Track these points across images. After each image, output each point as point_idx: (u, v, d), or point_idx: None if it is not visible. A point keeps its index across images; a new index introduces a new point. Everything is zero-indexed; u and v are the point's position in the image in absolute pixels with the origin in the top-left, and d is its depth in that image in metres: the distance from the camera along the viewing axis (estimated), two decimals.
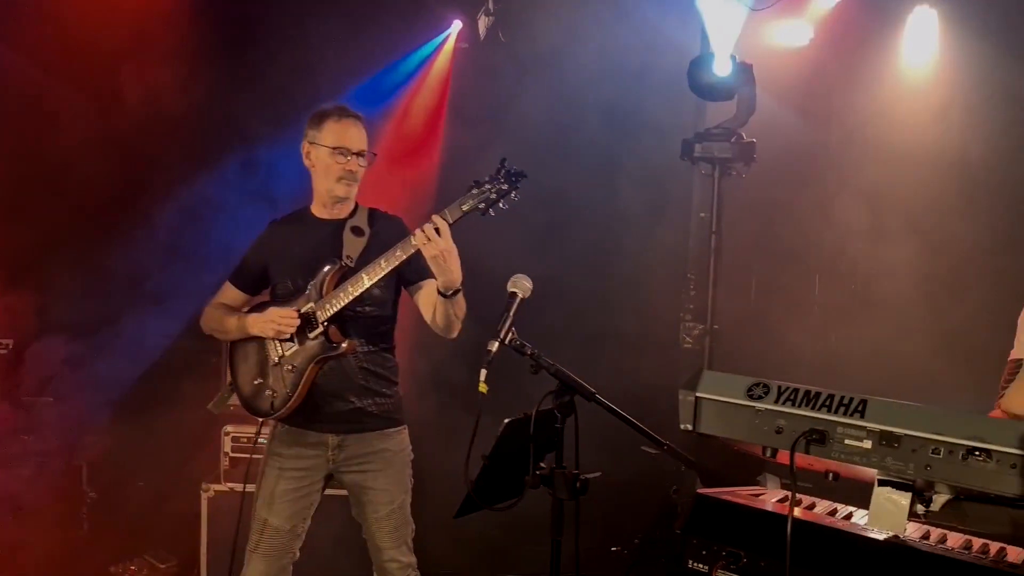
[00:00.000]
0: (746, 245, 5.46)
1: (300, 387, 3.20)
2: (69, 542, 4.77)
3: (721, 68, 4.64)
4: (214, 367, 4.60)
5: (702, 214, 5.87)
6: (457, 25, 5.88)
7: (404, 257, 3.06)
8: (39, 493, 4.81)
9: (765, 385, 1.88)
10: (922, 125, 5.04)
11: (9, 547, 4.47)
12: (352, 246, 3.27)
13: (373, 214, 3.41)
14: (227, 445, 4.43)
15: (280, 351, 3.27)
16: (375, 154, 3.37)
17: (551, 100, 5.36)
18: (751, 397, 1.87)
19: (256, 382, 3.30)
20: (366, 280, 3.12)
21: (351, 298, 3.15)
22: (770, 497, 2.19)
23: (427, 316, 3.25)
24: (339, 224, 3.33)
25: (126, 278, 5.20)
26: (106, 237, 5.16)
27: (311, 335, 3.21)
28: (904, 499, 1.75)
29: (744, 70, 4.68)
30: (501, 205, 2.95)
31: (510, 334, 2.52)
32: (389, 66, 5.73)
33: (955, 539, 1.98)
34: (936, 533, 1.98)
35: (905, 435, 1.67)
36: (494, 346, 2.50)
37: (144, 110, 5.16)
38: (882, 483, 1.77)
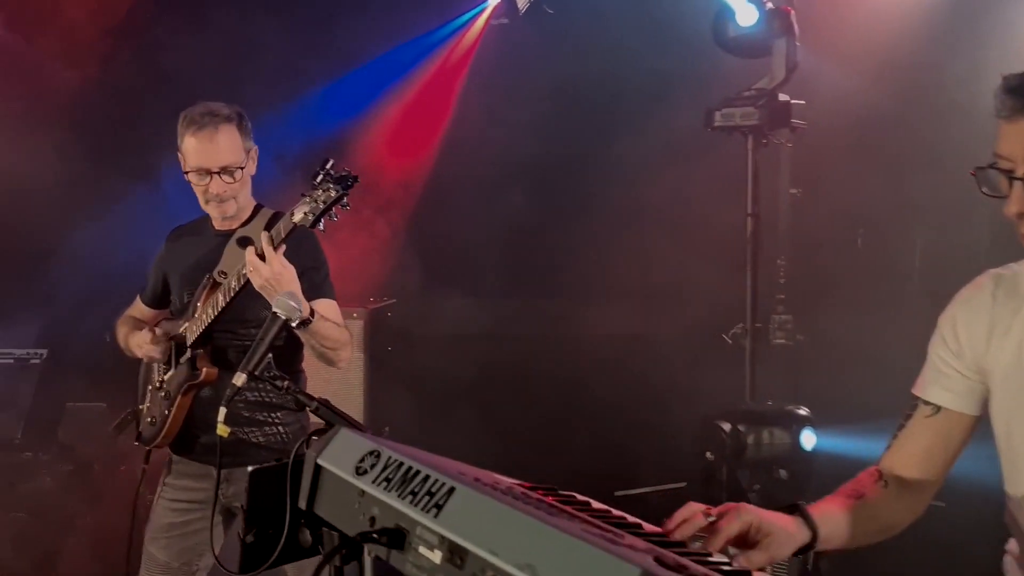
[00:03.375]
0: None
1: (171, 416, 2.92)
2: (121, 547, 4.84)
3: (744, 17, 3.85)
4: None
5: (794, 190, 5.11)
6: None
7: (240, 284, 2.69)
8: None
9: (376, 453, 1.33)
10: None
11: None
12: (231, 260, 2.89)
13: (275, 221, 2.97)
14: None
15: (160, 375, 3.02)
16: (248, 161, 2.91)
17: (586, 73, 4.78)
18: (358, 473, 1.33)
19: (142, 406, 3.09)
20: (221, 301, 2.79)
21: (211, 320, 2.83)
22: None
23: None
24: (226, 236, 2.98)
25: None
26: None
27: (182, 359, 2.93)
28: None
29: (776, 18, 3.85)
30: (333, 215, 2.49)
31: (263, 363, 2.08)
32: (419, 37, 5.38)
33: None
34: None
35: (471, 552, 1.08)
36: (240, 380, 2.08)
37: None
38: None
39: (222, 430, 2.07)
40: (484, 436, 4.31)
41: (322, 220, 2.49)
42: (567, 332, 4.73)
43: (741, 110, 3.92)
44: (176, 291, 3.06)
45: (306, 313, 2.48)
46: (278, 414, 2.97)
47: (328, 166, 2.48)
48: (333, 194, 2.46)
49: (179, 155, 2.95)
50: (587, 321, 4.70)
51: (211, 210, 2.97)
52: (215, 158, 2.84)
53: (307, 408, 2.07)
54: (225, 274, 2.87)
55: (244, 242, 2.94)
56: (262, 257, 2.56)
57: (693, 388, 4.50)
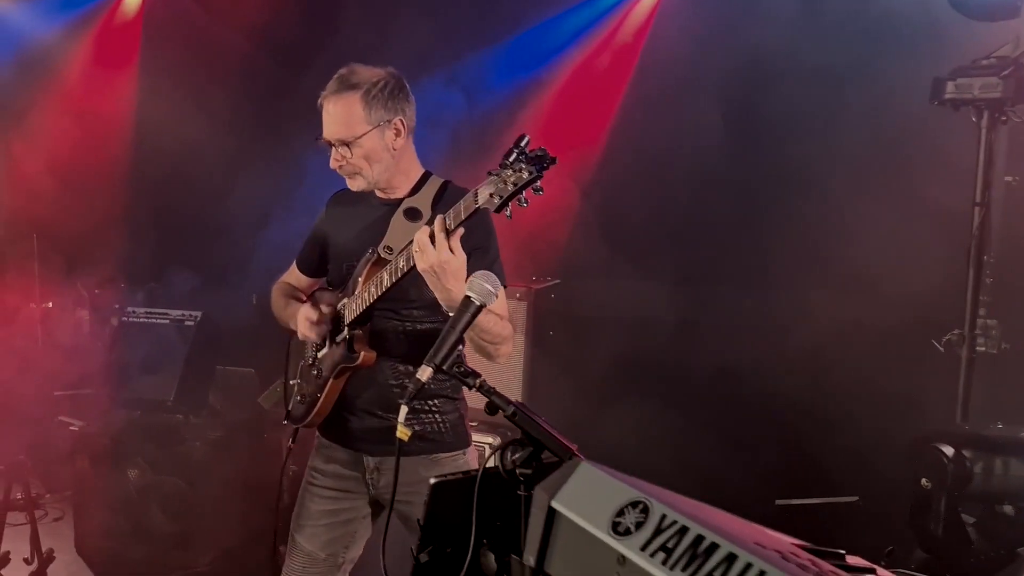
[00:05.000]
0: None
1: (322, 398, 2.69)
2: (266, 515, 4.77)
3: None
4: None
5: (1009, 178, 4.50)
6: None
7: (409, 265, 2.40)
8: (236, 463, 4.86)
9: (643, 507, 0.98)
10: None
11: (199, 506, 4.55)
12: (400, 232, 2.63)
13: (443, 192, 2.73)
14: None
15: (313, 351, 2.79)
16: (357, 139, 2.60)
17: (780, 39, 4.27)
18: (618, 531, 0.98)
19: (293, 382, 2.88)
20: (386, 280, 2.51)
21: (373, 299, 2.56)
22: None
23: None
24: (392, 206, 2.71)
25: None
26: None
27: (338, 337, 2.68)
28: None
29: None
30: (522, 200, 2.15)
31: (453, 356, 1.77)
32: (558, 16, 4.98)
33: None
34: None
35: None
36: (425, 374, 1.78)
37: None
38: None
39: (402, 433, 1.78)
40: (650, 429, 3.94)
41: (509, 204, 2.15)
42: (750, 322, 4.26)
43: (981, 80, 3.34)
44: (335, 261, 2.82)
45: (502, 298, 2.17)
46: (435, 401, 2.71)
47: (523, 143, 2.13)
48: (526, 175, 2.11)
49: None
50: (776, 311, 4.22)
51: (378, 192, 2.71)
52: (329, 128, 2.61)
53: (501, 412, 1.74)
54: (391, 249, 2.60)
55: (412, 215, 2.66)
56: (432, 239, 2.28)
57: (890, 395, 3.98)
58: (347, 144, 2.59)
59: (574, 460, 1.14)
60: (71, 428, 4.86)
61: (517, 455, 1.68)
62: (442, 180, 2.76)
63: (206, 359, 4.93)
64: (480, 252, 2.50)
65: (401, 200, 2.70)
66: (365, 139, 2.59)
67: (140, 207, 6.00)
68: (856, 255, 4.05)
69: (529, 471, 1.69)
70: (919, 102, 3.73)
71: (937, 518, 3.01)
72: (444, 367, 1.78)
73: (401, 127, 2.64)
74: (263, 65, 5.37)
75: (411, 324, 2.66)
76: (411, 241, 2.37)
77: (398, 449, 1.81)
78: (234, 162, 5.38)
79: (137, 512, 4.59)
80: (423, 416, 2.70)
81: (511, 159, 2.12)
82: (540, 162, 2.10)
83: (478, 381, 1.77)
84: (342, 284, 2.75)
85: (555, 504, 1.09)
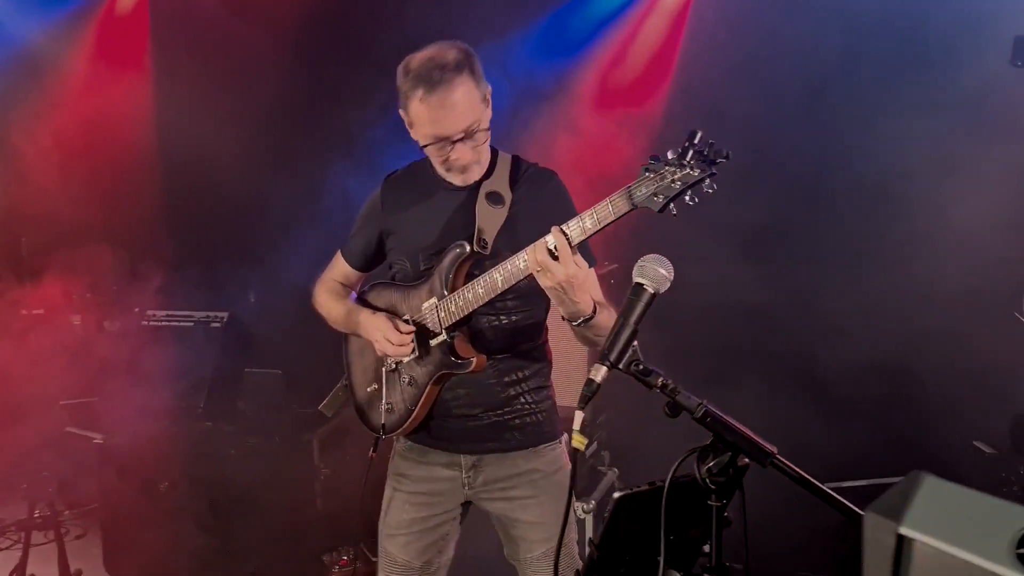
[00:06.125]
0: None
1: (419, 406, 2.48)
2: (303, 522, 4.55)
3: None
4: None
5: None
6: None
7: (519, 278, 2.20)
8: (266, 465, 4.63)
9: None
10: None
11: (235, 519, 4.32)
12: (488, 221, 2.39)
13: (517, 170, 2.49)
14: None
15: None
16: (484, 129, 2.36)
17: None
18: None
19: (371, 388, 2.63)
20: (499, 282, 2.28)
21: (481, 302, 2.33)
22: None
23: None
24: (471, 190, 2.46)
25: None
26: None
27: (432, 342, 2.44)
28: None
29: None
30: (688, 198, 1.93)
31: (628, 352, 1.56)
32: None
33: None
34: None
35: None
36: (600, 374, 1.57)
37: None
38: None
39: (579, 441, 1.57)
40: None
41: (673, 202, 1.93)
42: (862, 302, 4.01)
43: None
44: (404, 255, 2.55)
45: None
46: (533, 393, 2.53)
47: (697, 139, 1.91)
48: (696, 173, 1.89)
49: (402, 115, 2.41)
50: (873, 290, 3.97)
51: (453, 177, 2.46)
52: (454, 124, 2.30)
53: (688, 412, 1.54)
54: (485, 242, 2.37)
55: (494, 199, 2.43)
56: (553, 254, 2.05)
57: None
58: (475, 133, 2.33)
59: (913, 474, 0.94)
60: (94, 441, 4.59)
61: (713, 462, 1.48)
62: (509, 156, 2.52)
63: (234, 362, 4.68)
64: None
65: (479, 183, 2.45)
66: (486, 115, 2.36)
67: (143, 200, 5.70)
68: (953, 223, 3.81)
69: (723, 479, 1.50)
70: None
71: None
72: (620, 366, 1.58)
73: (490, 96, 2.41)
74: (285, 60, 5.08)
75: (505, 317, 2.46)
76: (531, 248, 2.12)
77: (574, 462, 1.60)
78: (258, 161, 5.11)
79: (170, 526, 4.35)
80: (517, 406, 2.51)
81: (688, 157, 1.89)
82: (714, 161, 1.89)
83: (659, 380, 1.57)
84: (415, 280, 2.51)
85: (905, 531, 0.89)
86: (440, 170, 2.46)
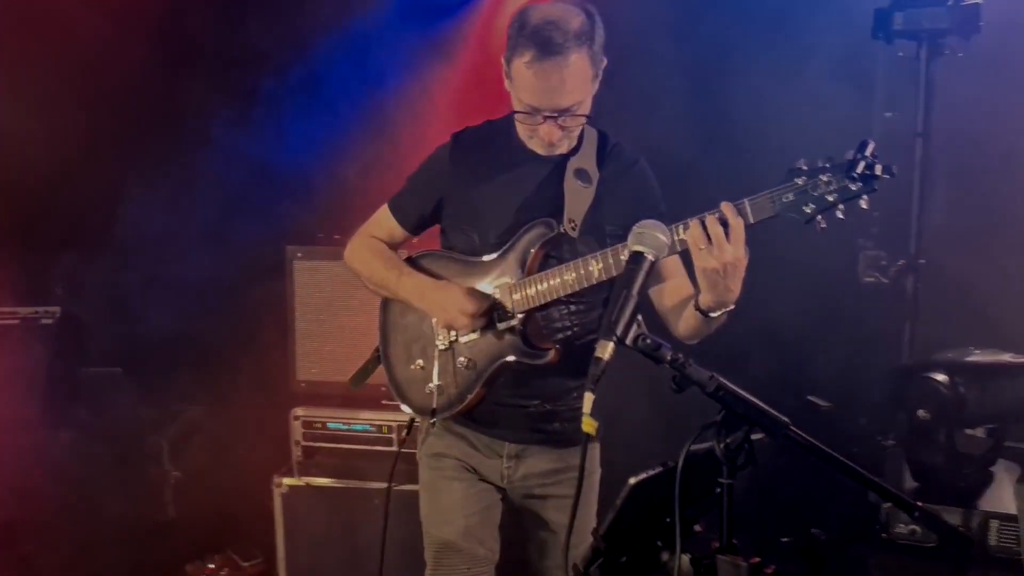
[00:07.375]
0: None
1: (475, 392, 2.28)
2: (154, 530, 4.16)
3: None
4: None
5: (887, 113, 4.52)
6: None
7: (643, 270, 1.99)
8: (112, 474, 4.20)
9: None
10: None
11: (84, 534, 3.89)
12: (576, 201, 2.21)
13: (604, 147, 2.31)
14: (298, 433, 3.61)
15: (452, 334, 2.33)
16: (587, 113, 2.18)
17: None
18: None
19: (415, 365, 2.38)
20: (596, 272, 2.12)
21: (567, 290, 2.15)
22: None
23: (668, 318, 2.24)
24: (558, 164, 2.26)
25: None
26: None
27: (500, 325, 2.24)
28: None
29: None
30: (839, 211, 1.81)
31: (634, 326, 1.46)
32: None
33: None
34: None
35: None
36: (606, 351, 1.46)
37: None
38: None
39: (589, 425, 1.44)
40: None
41: (824, 214, 1.82)
42: None
43: (928, 11, 3.29)
44: (468, 223, 2.32)
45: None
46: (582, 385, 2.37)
47: (868, 151, 1.79)
48: (855, 188, 1.78)
49: (502, 63, 2.18)
50: None
51: (535, 145, 2.25)
52: (555, 99, 2.11)
53: (698, 386, 1.46)
54: (575, 223, 2.18)
55: (582, 176, 2.24)
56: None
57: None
58: (575, 111, 2.14)
59: None
60: None
61: (730, 438, 1.41)
62: (595, 131, 2.34)
63: (70, 363, 4.19)
64: (656, 216, 2.15)
65: (567, 157, 2.26)
66: (588, 102, 2.18)
67: None
68: None
69: (738, 454, 1.44)
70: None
71: (937, 447, 3.03)
72: (627, 341, 1.46)
73: (601, 74, 2.22)
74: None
75: (575, 305, 2.27)
76: (642, 228, 1.80)
77: (584, 450, 1.48)
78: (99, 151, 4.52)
79: (2, 551, 3.85)
80: (572, 400, 2.35)
81: (859, 169, 1.78)
82: (876, 176, 1.78)
83: (669, 354, 1.47)
84: (478, 252, 2.29)
85: None
86: (523, 136, 2.25)
